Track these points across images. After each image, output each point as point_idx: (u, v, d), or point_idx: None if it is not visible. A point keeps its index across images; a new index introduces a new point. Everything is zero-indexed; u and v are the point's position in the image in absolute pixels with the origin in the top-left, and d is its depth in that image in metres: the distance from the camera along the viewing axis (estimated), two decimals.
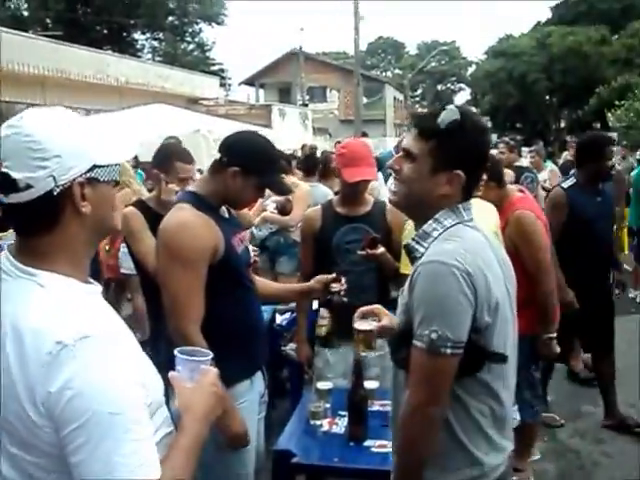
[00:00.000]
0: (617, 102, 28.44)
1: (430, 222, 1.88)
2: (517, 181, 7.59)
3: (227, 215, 2.77)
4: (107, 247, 6.75)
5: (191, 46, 40.50)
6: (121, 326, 1.47)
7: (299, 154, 10.37)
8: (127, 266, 6.73)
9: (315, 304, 3.82)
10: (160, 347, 2.90)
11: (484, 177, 3.49)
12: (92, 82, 17.50)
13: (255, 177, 2.62)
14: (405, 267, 3.07)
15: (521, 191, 4.22)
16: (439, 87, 68.31)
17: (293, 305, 4.55)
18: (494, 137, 15.48)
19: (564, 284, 4.57)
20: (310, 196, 6.16)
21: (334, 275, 3.00)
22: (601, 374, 5.05)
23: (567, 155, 12.64)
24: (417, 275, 1.78)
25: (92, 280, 1.51)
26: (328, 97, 44.86)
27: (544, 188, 8.45)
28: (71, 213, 1.42)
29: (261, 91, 43.81)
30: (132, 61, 22.30)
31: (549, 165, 9.69)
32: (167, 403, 1.56)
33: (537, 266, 3.74)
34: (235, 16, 68.18)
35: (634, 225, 8.08)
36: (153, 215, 3.44)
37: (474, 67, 59.09)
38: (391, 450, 2.07)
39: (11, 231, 1.54)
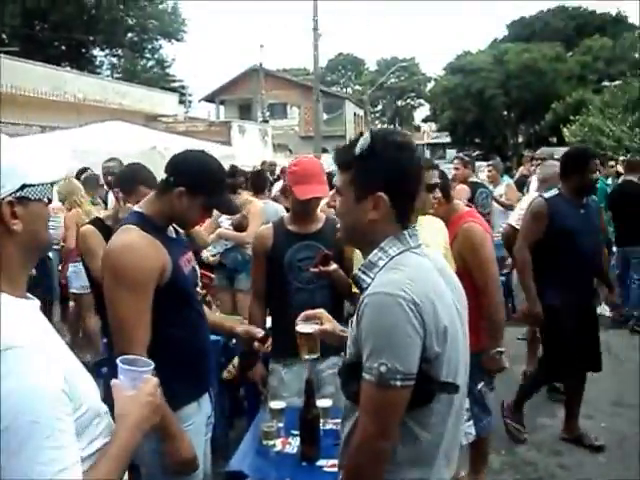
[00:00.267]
0: (572, 117, 29.05)
1: (375, 251, 1.86)
2: (473, 196, 7.69)
3: (174, 235, 2.74)
4: (59, 267, 6.70)
5: (151, 63, 40.23)
6: (51, 338, 1.53)
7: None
8: (77, 285, 6.69)
9: (269, 322, 3.79)
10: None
11: (433, 193, 3.54)
12: (48, 99, 17.35)
13: (202, 197, 2.59)
14: None
15: (468, 206, 4.25)
16: (399, 103, 68.87)
17: None
18: (453, 152, 15.67)
19: (534, 296, 4.62)
20: (264, 212, 6.16)
21: (263, 333, 3.05)
22: (572, 388, 5.01)
23: (522, 170, 12.81)
24: (364, 306, 1.75)
25: (31, 296, 1.57)
26: (289, 113, 45.06)
27: (501, 203, 8.55)
28: (2, 231, 1.47)
29: (221, 108, 43.82)
30: (90, 78, 22.19)
31: (506, 180, 9.81)
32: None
33: (485, 278, 3.70)
34: (195, 33, 68.25)
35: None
36: (111, 233, 3.42)
37: (433, 83, 59.69)
38: None
39: None
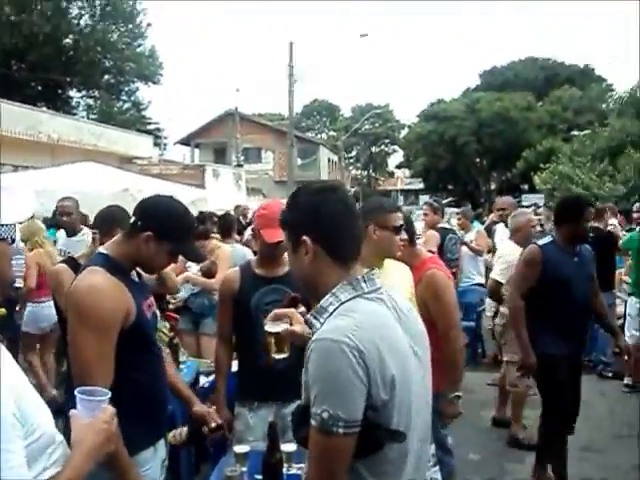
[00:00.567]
0: (542, 165, 29.64)
1: (327, 296, 1.86)
2: (442, 242, 7.77)
3: (137, 279, 2.74)
4: (17, 308, 6.71)
5: (127, 105, 40.32)
6: (8, 369, 1.61)
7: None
8: (33, 327, 6.72)
9: (235, 366, 3.77)
10: None
11: (399, 235, 3.57)
12: (23, 138, 17.28)
13: (168, 243, 2.60)
14: None
15: (430, 251, 4.28)
16: (373, 149, 69.43)
17: None
18: (426, 198, 15.85)
19: (527, 345, 4.60)
20: (232, 257, 6.15)
21: (220, 423, 3.09)
22: (547, 436, 4.83)
23: (493, 217, 12.95)
24: (310, 352, 1.75)
25: None
26: (263, 158, 45.32)
27: (471, 248, 8.63)
28: None
29: (196, 151, 43.94)
30: (65, 118, 22.15)
31: (476, 226, 9.92)
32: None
33: (448, 324, 3.73)
34: (172, 76, 68.61)
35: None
36: None
37: (407, 130, 60.34)
38: None
39: None
